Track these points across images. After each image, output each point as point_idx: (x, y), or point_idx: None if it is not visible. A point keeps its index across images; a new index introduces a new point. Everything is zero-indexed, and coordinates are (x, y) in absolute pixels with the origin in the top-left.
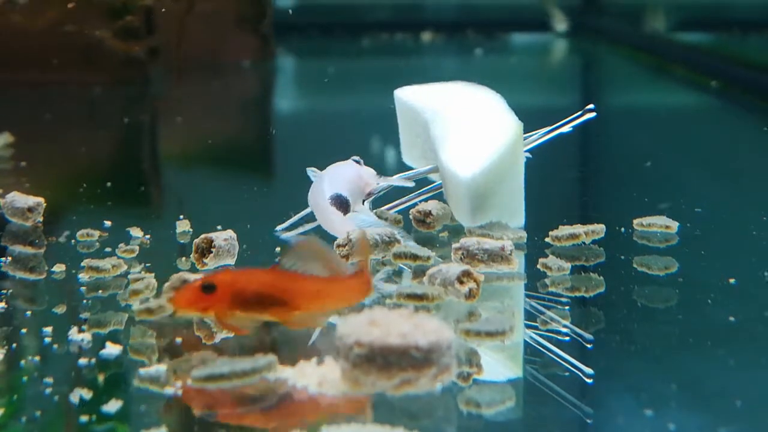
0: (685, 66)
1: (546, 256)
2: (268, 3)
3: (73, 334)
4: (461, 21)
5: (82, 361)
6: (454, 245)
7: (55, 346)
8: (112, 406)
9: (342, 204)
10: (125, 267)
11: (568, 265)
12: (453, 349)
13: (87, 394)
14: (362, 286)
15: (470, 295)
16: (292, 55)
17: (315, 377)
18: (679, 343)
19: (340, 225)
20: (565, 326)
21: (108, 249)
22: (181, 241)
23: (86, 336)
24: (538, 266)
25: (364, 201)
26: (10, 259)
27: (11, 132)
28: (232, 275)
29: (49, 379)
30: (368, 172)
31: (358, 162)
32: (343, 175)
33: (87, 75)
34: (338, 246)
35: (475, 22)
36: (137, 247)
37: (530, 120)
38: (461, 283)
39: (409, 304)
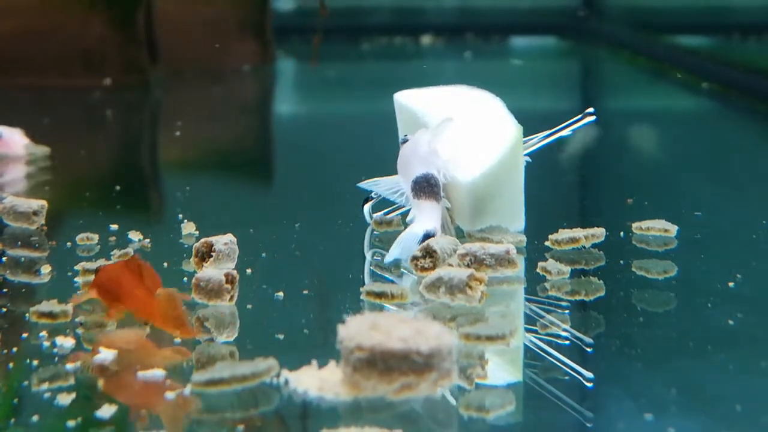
0: (685, 70)
1: (546, 259)
2: (269, 7)
3: (67, 338)
4: (461, 25)
5: (76, 365)
6: (459, 251)
7: (54, 350)
8: (106, 411)
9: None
10: None
11: (567, 269)
12: (454, 354)
13: (80, 398)
14: (172, 320)
15: (481, 297)
16: (292, 58)
17: (315, 381)
18: (678, 347)
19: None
20: (564, 330)
21: (109, 252)
22: (186, 244)
23: (80, 340)
24: (538, 270)
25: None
26: (5, 259)
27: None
28: (110, 264)
29: (43, 384)
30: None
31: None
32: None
33: (87, 79)
34: (414, 259)
35: (475, 25)
36: (131, 251)
37: (530, 124)
38: (470, 288)
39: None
